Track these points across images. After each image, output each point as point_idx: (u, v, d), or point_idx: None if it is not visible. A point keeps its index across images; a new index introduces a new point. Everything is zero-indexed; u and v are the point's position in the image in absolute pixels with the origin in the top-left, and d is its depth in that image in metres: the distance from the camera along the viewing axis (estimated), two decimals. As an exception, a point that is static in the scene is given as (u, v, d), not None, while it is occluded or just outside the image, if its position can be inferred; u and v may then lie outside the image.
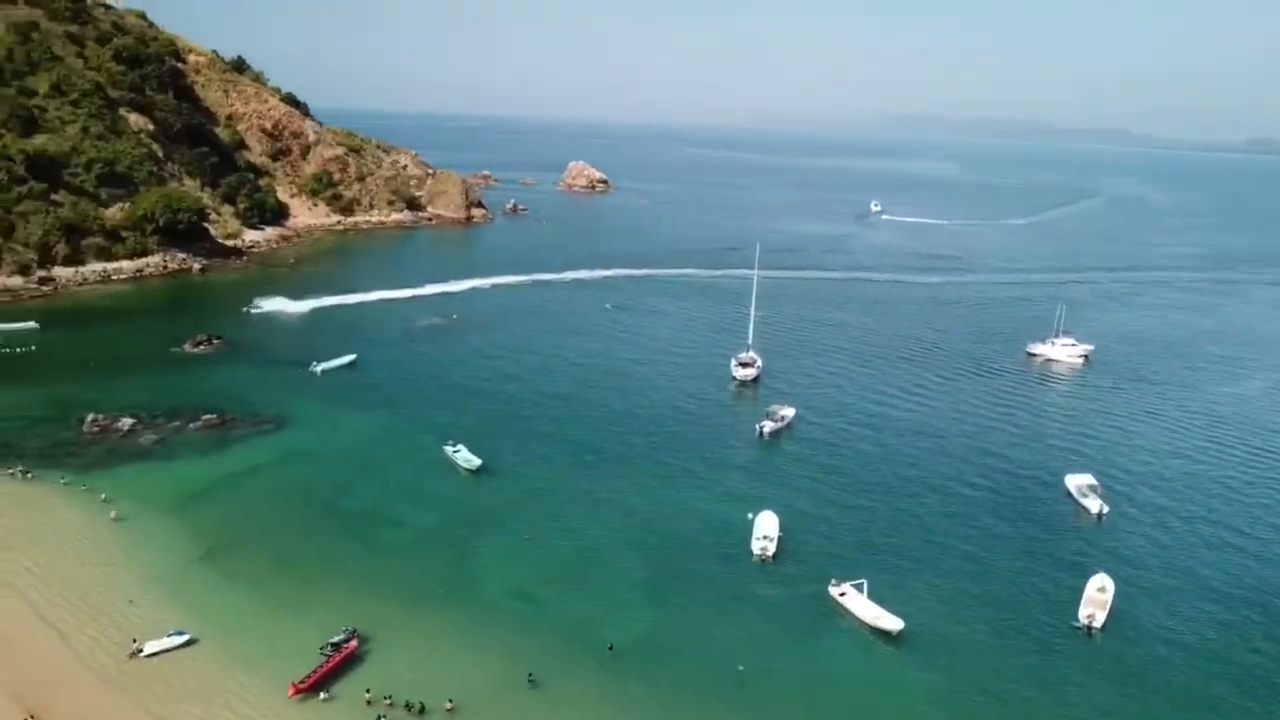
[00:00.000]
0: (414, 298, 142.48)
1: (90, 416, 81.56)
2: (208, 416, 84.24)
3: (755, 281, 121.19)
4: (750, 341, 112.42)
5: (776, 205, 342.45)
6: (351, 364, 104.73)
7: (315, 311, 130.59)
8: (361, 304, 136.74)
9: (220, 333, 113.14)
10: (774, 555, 63.64)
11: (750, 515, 68.78)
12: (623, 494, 73.27)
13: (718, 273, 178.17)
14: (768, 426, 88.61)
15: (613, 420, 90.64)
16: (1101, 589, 60.10)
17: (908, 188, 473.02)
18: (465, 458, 77.48)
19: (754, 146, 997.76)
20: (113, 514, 64.53)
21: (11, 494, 67.17)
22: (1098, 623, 56.72)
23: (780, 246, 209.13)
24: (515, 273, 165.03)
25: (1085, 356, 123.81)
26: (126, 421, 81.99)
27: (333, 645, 49.82)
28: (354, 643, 50.51)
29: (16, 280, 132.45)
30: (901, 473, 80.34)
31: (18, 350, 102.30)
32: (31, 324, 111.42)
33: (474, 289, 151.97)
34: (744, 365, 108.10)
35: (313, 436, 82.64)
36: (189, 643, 50.21)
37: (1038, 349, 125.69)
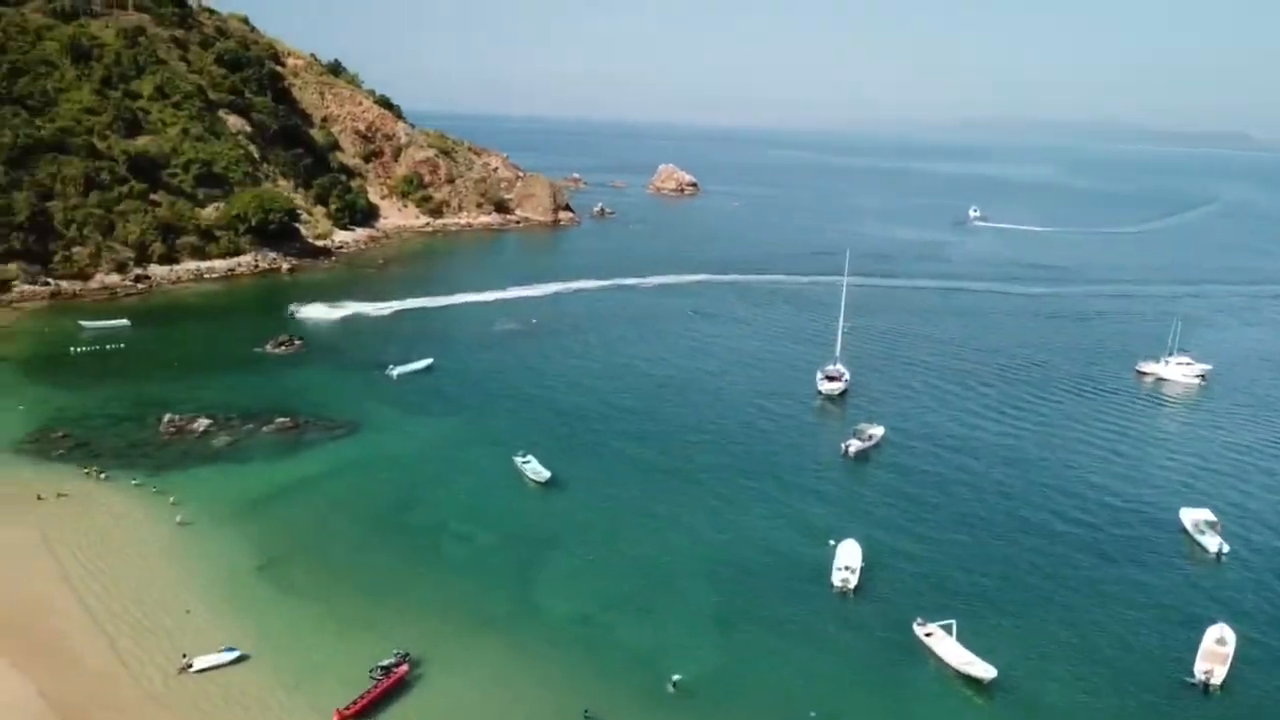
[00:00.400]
0: (496, 301, 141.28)
1: (167, 417, 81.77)
2: (281, 419, 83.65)
3: (844, 290, 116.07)
4: (838, 353, 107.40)
5: (868, 209, 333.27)
6: (428, 368, 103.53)
7: (398, 314, 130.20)
8: (444, 307, 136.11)
9: (301, 333, 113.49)
10: (855, 588, 59.18)
11: (831, 543, 64.45)
12: (696, 514, 69.62)
13: (805, 279, 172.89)
14: (854, 446, 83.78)
15: (689, 434, 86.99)
16: (1221, 641, 53.89)
17: (1008, 192, 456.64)
18: (534, 470, 74.93)
19: (844, 149, 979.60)
20: (178, 518, 63.82)
21: (84, 495, 67.10)
22: (1216, 679, 50.71)
23: (872, 253, 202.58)
24: (598, 277, 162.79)
25: (1202, 377, 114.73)
26: (202, 422, 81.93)
27: (383, 669, 47.55)
28: (404, 667, 48.14)
29: (114, 278, 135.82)
30: (997, 503, 74.45)
31: (108, 348, 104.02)
32: (123, 321, 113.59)
33: (556, 293, 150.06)
34: (830, 379, 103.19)
35: (383, 443, 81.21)
36: (239, 659, 48.52)
37: (1149, 368, 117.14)
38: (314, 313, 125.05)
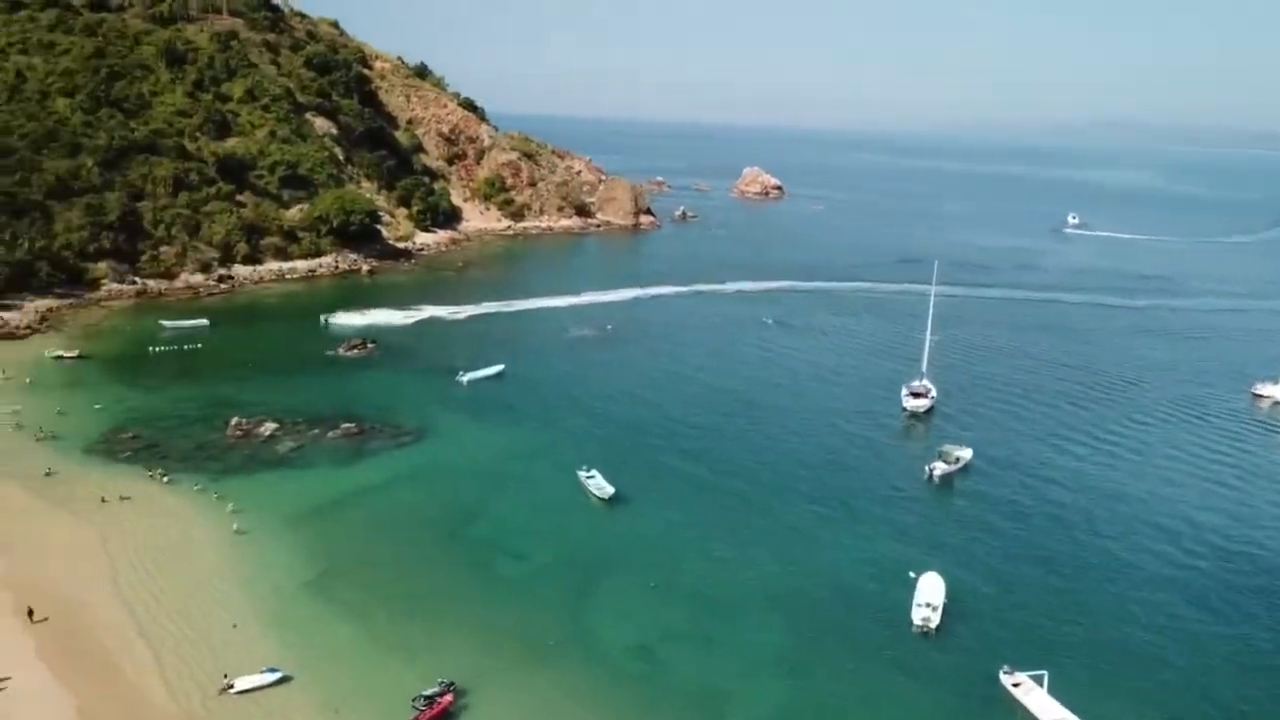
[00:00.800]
0: (571, 306, 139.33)
1: (234, 420, 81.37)
2: (347, 425, 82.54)
3: (932, 300, 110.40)
4: (924, 368, 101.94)
5: (960, 215, 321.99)
6: (499, 375, 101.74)
7: (473, 318, 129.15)
8: (519, 312, 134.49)
9: (375, 336, 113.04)
10: (937, 628, 54.58)
11: (912, 575, 59.90)
12: (765, 540, 65.69)
13: (891, 288, 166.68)
14: (939, 469, 78.69)
15: (764, 450, 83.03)
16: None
17: (1110, 199, 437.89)
18: (598, 485, 72.01)
19: (935, 152, 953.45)
20: (235, 526, 62.73)
21: (147, 499, 66.63)
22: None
23: (962, 261, 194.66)
24: (676, 283, 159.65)
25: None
26: (269, 426, 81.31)
27: (426, 699, 45.03)
28: (449, 697, 45.55)
29: (198, 277, 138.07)
30: (1093, 540, 68.36)
31: (185, 347, 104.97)
32: (202, 321, 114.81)
33: (632, 299, 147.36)
34: (916, 395, 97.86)
35: (448, 452, 79.33)
36: (281, 680, 46.61)
37: (1266, 390, 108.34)
38: (347, 321, 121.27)
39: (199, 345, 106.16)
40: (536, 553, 62.41)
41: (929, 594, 57.41)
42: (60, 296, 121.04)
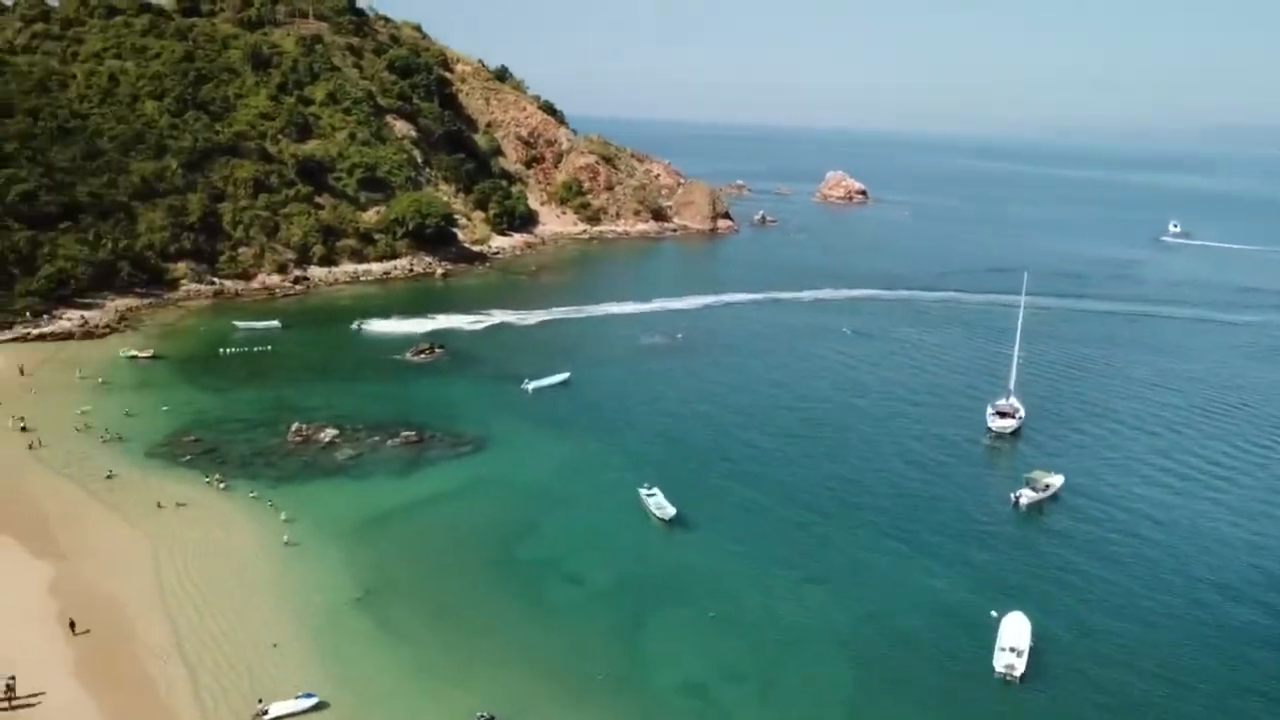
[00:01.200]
0: (642, 313, 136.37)
1: (295, 425, 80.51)
2: (407, 433, 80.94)
3: (1021, 313, 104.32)
4: (1011, 386, 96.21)
5: (1053, 222, 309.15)
6: (564, 383, 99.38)
7: (543, 324, 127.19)
8: (589, 318, 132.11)
9: (444, 341, 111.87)
10: (1022, 676, 49.90)
11: (994, 614, 55.21)
12: (837, 570, 61.63)
13: (978, 298, 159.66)
14: (1026, 497, 73.37)
15: (836, 472, 78.70)
16: None
17: (1211, 206, 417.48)
18: (659, 504, 68.78)
19: (1030, 157, 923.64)
20: (286, 537, 61.29)
21: (203, 506, 65.79)
22: None
23: (1055, 271, 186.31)
24: (751, 289, 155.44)
25: None
26: (329, 432, 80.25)
27: (464, 736, 42.47)
28: (489, 735, 42.90)
29: (275, 278, 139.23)
30: (1195, 588, 62.10)
31: (255, 349, 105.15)
32: (274, 323, 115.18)
33: (705, 306, 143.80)
34: (1002, 415, 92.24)
35: (507, 464, 77.05)
36: (317, 706, 44.58)
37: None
38: (382, 328, 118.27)
39: (269, 347, 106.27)
40: (592, 576, 59.52)
41: (1013, 637, 52.69)
42: (140, 296, 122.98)
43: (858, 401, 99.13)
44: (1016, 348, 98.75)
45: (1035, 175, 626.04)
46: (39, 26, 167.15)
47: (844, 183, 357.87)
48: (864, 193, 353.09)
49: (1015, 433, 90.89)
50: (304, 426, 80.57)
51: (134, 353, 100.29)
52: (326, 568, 58.36)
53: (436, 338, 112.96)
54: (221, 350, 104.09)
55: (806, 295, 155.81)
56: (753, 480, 75.89)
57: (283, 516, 64.41)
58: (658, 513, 68.10)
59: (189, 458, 74.24)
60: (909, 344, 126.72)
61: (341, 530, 63.43)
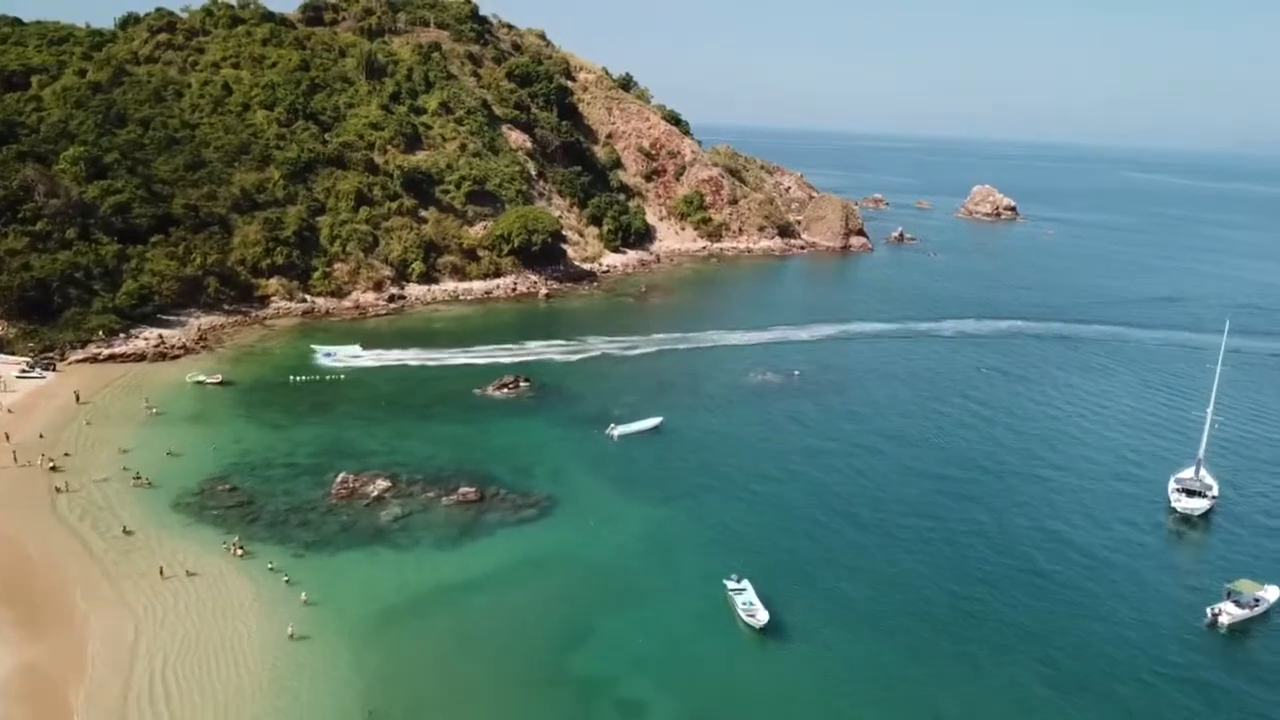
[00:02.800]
0: (755, 345, 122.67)
1: (341, 476, 71.13)
2: (466, 489, 70.37)
3: (1220, 362, 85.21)
4: (1201, 453, 78.35)
5: (1253, 247, 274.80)
6: (655, 429, 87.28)
7: (644, 355, 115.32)
8: (696, 349, 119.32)
9: (531, 373, 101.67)
10: None
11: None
12: (975, 711, 47.09)
13: (1150, 335, 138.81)
14: (1228, 614, 56.80)
15: (972, 570, 63.33)
16: None
17: None
18: (749, 605, 55.63)
19: (1226, 174, 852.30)
20: (291, 629, 51.20)
21: (212, 578, 56.73)
22: None
23: (1253, 305, 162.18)
24: (882, 319, 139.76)
25: None
26: (379, 485, 70.61)
27: None
28: None
29: (369, 296, 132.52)
30: None
31: (327, 378, 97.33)
32: (354, 348, 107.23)
33: (829, 338, 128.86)
34: (1189, 492, 74.69)
35: (572, 537, 65.36)
36: None
37: None
38: (352, 355, 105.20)
39: (341, 376, 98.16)
40: (658, 703, 47.23)
41: None
42: (227, 313, 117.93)
43: (1001, 468, 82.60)
44: (1211, 405, 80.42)
45: (1206, 190, 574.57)
46: (163, 36, 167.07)
47: (991, 197, 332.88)
48: (1013, 209, 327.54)
49: (1206, 516, 73.30)
50: (350, 477, 71.11)
51: (202, 378, 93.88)
52: (331, 676, 47.88)
53: (522, 369, 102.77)
54: (292, 378, 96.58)
55: (947, 326, 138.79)
56: (868, 576, 61.48)
57: (301, 596, 54.60)
58: (747, 617, 55.00)
59: (218, 512, 65.66)
60: (1064, 390, 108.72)
61: (363, 620, 53.03)
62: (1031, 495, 76.59)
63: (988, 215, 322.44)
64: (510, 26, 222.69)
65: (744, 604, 55.93)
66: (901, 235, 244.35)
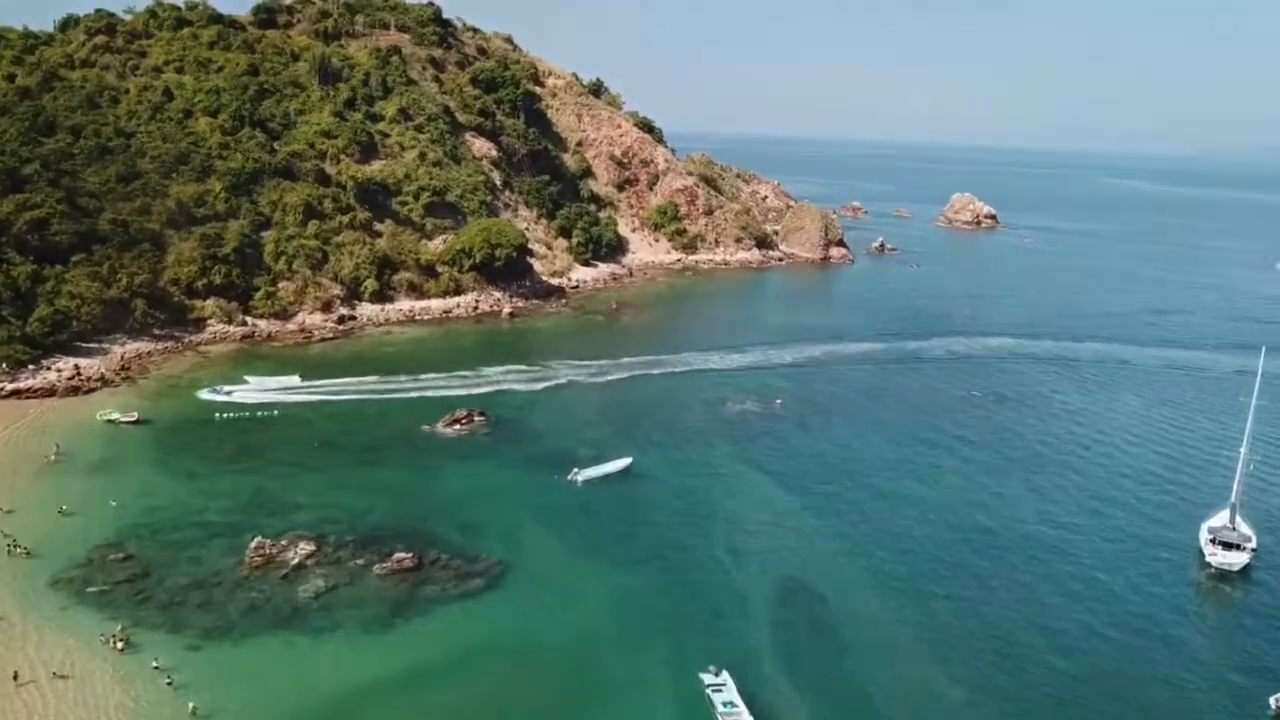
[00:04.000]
0: (734, 369, 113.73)
1: (257, 542, 61.30)
2: (402, 555, 60.80)
3: (1257, 389, 76.15)
4: (1234, 498, 69.86)
5: (1240, 256, 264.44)
6: (624, 471, 78.07)
7: (612, 383, 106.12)
8: (669, 375, 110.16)
9: (489, 404, 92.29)
10: None
11: None
12: None
13: (1155, 355, 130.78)
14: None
15: (986, 647, 54.30)
16: None
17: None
18: (729, 707, 46.45)
19: (1192, 178, 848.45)
20: (166, 755, 41.51)
21: (81, 680, 46.90)
22: None
23: (1258, 319, 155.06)
24: (868, 338, 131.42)
25: None
26: (301, 550, 61.04)
27: None
28: None
29: (316, 317, 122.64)
30: None
31: (259, 414, 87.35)
32: (291, 379, 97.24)
33: (811, 359, 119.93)
34: (1225, 545, 66.21)
35: (523, 616, 55.89)
36: None
37: None
38: (257, 389, 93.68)
39: (274, 413, 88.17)
40: None
41: None
42: (157, 339, 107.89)
43: (1006, 521, 73.31)
44: (1244, 445, 71.74)
45: (1202, 198, 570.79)
46: (102, 39, 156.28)
47: (971, 206, 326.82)
48: (993, 217, 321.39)
49: (1245, 571, 64.94)
50: (269, 542, 61.34)
51: (115, 416, 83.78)
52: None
53: (480, 401, 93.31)
54: (218, 415, 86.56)
55: (935, 346, 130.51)
56: (863, 654, 52.47)
57: (189, 708, 44.83)
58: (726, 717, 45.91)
59: (105, 589, 55.70)
60: (1060, 417, 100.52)
61: (258, 738, 43.43)
62: (1046, 551, 67.58)
63: (968, 224, 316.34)
64: (475, 30, 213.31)
65: (723, 705, 46.75)
66: (883, 245, 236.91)
